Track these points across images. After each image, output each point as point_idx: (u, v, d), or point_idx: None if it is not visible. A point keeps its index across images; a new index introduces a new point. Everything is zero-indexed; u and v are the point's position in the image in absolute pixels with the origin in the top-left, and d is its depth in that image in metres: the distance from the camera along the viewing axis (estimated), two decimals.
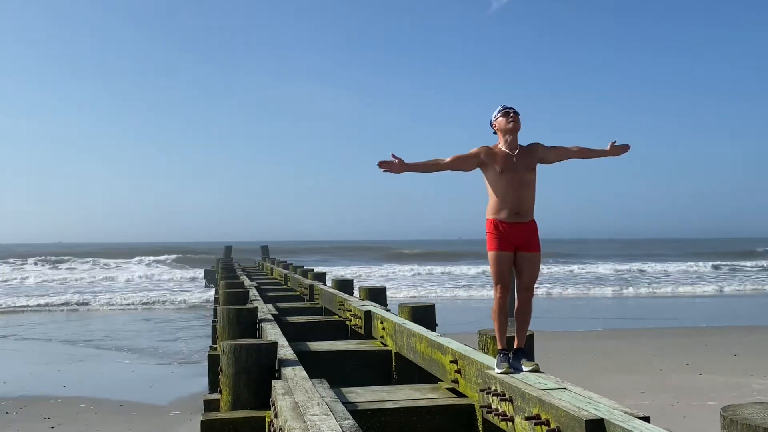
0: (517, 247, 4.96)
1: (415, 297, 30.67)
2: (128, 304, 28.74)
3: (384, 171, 5.06)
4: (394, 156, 5.04)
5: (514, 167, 4.94)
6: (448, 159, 5.08)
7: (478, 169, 5.10)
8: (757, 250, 78.60)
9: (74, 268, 54.73)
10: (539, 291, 32.69)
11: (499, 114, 5.07)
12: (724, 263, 54.70)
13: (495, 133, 5.14)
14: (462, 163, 5.07)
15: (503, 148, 5.01)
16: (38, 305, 28.44)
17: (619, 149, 5.23)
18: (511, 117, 5.02)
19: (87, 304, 28.93)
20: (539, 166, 5.08)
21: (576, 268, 50.94)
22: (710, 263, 53.61)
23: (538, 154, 5.05)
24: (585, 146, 5.23)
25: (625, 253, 77.76)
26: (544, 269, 48.23)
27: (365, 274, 46.20)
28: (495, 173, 4.95)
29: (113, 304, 28.64)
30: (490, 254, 4.99)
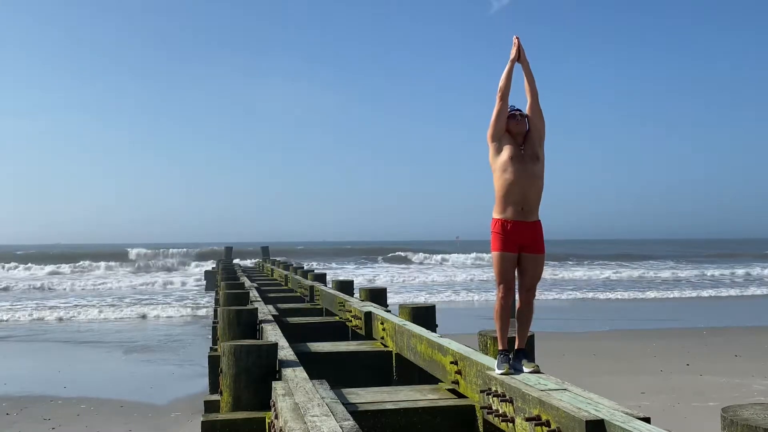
0: (521, 247, 4.96)
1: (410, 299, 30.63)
2: (132, 315, 28.73)
3: (515, 46, 5.15)
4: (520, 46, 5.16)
5: (522, 159, 4.98)
6: (507, 99, 5.13)
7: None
8: None
9: (67, 272, 54.60)
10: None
11: (510, 112, 5.13)
12: None
13: None
14: (502, 111, 5.10)
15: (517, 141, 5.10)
16: (38, 307, 28.44)
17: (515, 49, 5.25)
18: (518, 120, 5.10)
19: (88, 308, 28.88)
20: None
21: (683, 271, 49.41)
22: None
23: (535, 136, 5.10)
24: (530, 87, 5.24)
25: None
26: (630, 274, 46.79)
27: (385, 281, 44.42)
28: (506, 158, 4.99)
29: (114, 306, 28.63)
30: (495, 254, 4.98)
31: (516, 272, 5.04)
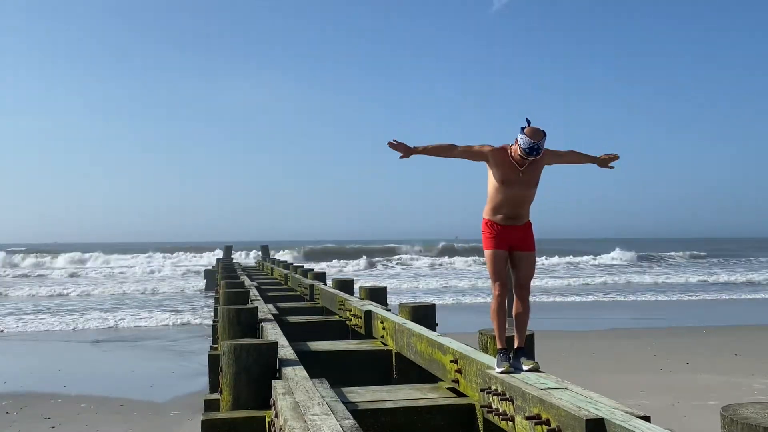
0: (512, 246, 5.02)
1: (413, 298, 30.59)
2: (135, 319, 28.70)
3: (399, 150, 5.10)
4: (396, 141, 5.08)
5: (519, 182, 4.92)
6: (459, 148, 5.04)
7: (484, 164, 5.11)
8: None
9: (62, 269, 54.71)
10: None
11: (525, 149, 4.76)
12: None
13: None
14: (470, 157, 5.04)
15: (513, 160, 4.89)
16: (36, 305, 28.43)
17: (608, 160, 5.17)
18: (531, 159, 4.83)
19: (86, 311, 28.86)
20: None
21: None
22: None
23: (543, 163, 4.99)
24: (578, 151, 5.18)
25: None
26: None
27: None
28: (497, 181, 4.94)
29: (114, 309, 28.63)
30: (487, 253, 5.03)
31: (510, 271, 5.09)
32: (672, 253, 70.58)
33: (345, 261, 59.23)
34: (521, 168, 4.88)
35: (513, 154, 4.88)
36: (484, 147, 5.00)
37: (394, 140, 5.07)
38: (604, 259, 61.94)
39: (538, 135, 4.75)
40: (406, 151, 5.07)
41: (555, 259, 60.16)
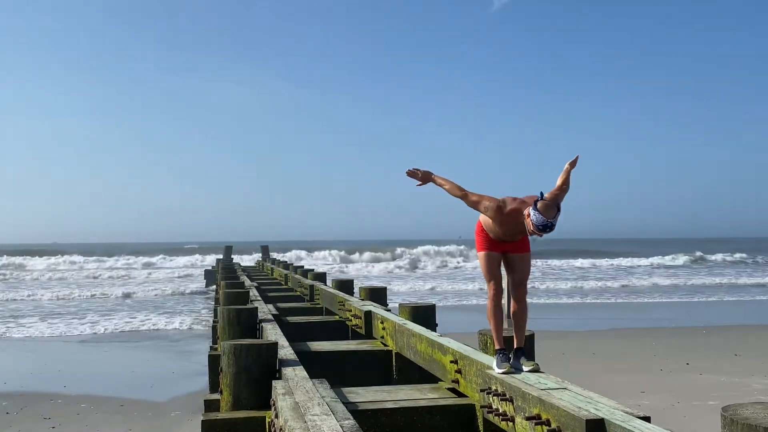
0: (506, 250, 5.08)
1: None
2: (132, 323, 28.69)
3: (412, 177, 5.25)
4: (417, 169, 5.21)
5: (520, 233, 4.96)
6: (469, 199, 4.95)
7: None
8: None
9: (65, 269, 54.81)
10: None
11: (539, 226, 4.57)
12: None
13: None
14: (476, 209, 5.02)
15: (526, 226, 4.73)
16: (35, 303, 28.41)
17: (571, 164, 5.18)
18: (539, 236, 4.75)
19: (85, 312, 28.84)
20: None
21: None
22: None
23: None
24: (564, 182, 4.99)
25: None
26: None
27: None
28: (497, 230, 4.96)
29: (115, 310, 28.63)
30: (480, 254, 5.09)
31: (505, 272, 5.14)
32: (727, 255, 69.10)
33: (388, 262, 59.05)
34: (531, 236, 4.88)
35: (527, 227, 4.70)
36: (490, 208, 4.87)
37: (413, 168, 5.20)
38: (665, 260, 61.80)
39: (551, 212, 4.58)
40: (426, 178, 5.20)
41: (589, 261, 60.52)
